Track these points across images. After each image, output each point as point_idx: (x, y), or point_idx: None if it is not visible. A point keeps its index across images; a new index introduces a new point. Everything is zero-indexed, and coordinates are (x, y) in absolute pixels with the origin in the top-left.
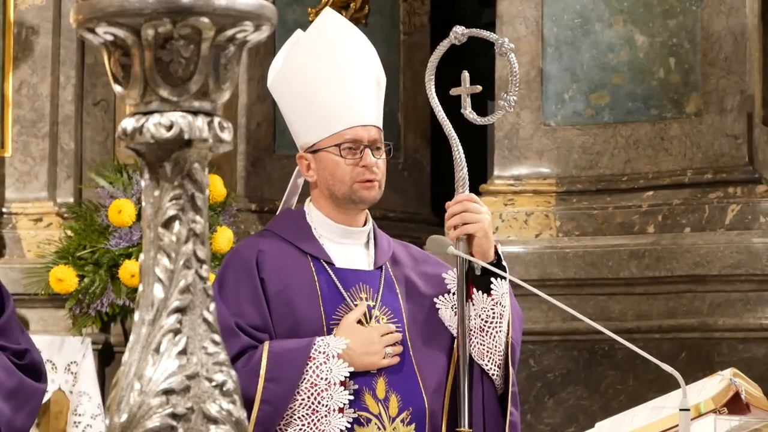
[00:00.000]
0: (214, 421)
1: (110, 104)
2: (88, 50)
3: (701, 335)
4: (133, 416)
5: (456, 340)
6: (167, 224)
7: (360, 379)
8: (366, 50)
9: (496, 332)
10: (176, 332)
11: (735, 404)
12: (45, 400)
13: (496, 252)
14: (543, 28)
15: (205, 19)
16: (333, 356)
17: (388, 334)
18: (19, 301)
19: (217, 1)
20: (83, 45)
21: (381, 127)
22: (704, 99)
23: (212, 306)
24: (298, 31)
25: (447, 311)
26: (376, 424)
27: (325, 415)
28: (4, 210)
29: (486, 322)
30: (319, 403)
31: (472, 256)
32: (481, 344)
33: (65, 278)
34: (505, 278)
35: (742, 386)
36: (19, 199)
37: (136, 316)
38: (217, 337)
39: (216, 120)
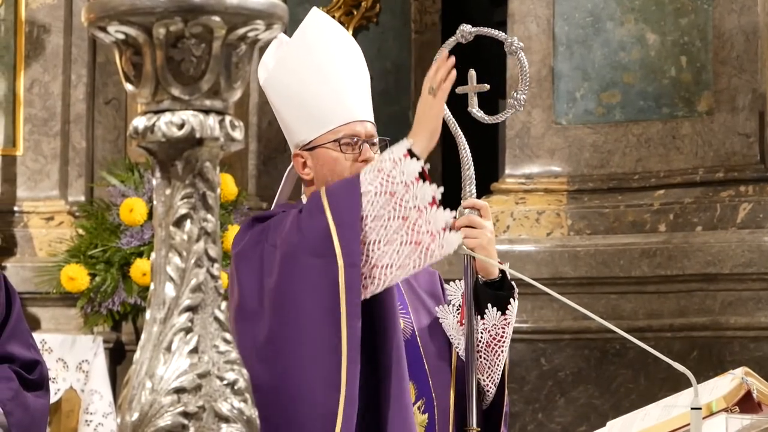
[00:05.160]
0: (226, 419)
1: (122, 103)
2: (100, 49)
3: (713, 334)
4: (144, 415)
5: (453, 347)
6: (179, 223)
7: None
8: (353, 48)
9: (502, 351)
10: (188, 331)
11: (746, 403)
12: (57, 399)
13: (502, 272)
14: (554, 26)
15: (217, 18)
16: (400, 159)
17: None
18: (30, 299)
19: (228, 0)
20: (95, 44)
21: (374, 122)
22: (716, 97)
23: (223, 304)
24: (281, 35)
25: (450, 322)
26: None
27: (422, 212)
28: (15, 209)
29: (495, 338)
30: (403, 207)
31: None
32: (485, 359)
33: (77, 277)
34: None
35: (754, 385)
36: (31, 197)
37: (148, 314)
38: (228, 336)
39: (227, 119)
